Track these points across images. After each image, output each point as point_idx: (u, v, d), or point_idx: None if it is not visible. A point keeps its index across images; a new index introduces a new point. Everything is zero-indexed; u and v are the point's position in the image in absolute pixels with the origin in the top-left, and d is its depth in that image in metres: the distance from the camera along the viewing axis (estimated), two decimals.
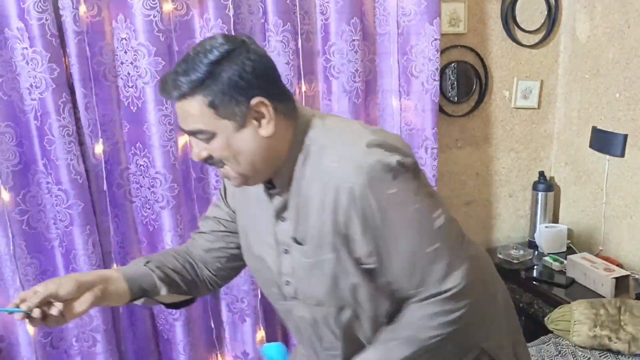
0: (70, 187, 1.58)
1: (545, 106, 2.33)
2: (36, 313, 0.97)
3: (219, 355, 1.94)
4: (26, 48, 1.51)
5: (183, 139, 1.73)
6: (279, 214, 1.08)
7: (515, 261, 2.24)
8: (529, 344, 1.85)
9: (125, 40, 1.61)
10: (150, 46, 1.60)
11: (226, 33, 1.01)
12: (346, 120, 1.11)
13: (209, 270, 1.24)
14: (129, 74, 1.62)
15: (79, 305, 1.03)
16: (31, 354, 1.63)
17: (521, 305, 2.16)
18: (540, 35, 2.23)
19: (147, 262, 1.17)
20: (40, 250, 1.64)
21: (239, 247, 1.22)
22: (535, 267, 2.22)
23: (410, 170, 0.99)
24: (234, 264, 1.25)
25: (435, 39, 1.90)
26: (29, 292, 0.99)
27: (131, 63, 1.62)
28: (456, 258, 1.01)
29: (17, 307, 0.97)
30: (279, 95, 1.00)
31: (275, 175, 1.06)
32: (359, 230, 0.99)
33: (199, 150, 1.00)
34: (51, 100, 1.52)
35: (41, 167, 1.58)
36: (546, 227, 2.30)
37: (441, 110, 2.10)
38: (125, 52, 1.62)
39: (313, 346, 1.19)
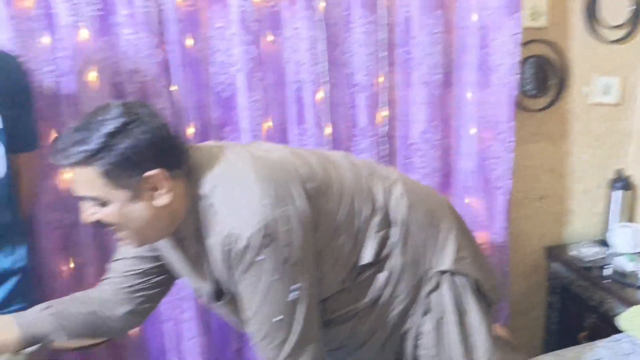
0: None
1: (625, 103, 2.28)
2: None
3: None
4: (130, 34, 1.62)
5: (267, 125, 1.82)
6: (195, 262, 1.15)
7: (586, 259, 2.21)
8: (602, 340, 1.84)
9: (220, 29, 1.71)
10: (242, 35, 1.68)
11: (123, 102, 1.04)
12: (237, 169, 1.11)
13: (127, 310, 1.27)
14: (222, 61, 1.72)
15: None
16: None
17: (592, 303, 2.14)
18: (623, 31, 2.19)
19: (47, 308, 1.20)
20: None
21: (157, 284, 1.29)
22: (607, 266, 2.18)
23: (285, 237, 1.06)
24: (153, 299, 1.32)
25: (516, 33, 1.91)
26: None
27: (224, 51, 1.71)
28: (302, 339, 1.12)
29: None
30: (175, 163, 1.05)
31: (179, 230, 1.12)
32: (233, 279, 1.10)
33: (90, 214, 1.04)
34: (152, 84, 1.64)
35: None
36: (621, 226, 2.26)
37: (518, 104, 2.10)
38: (219, 41, 1.71)
39: None
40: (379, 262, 1.24)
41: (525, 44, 2.07)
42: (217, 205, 1.07)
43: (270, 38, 1.76)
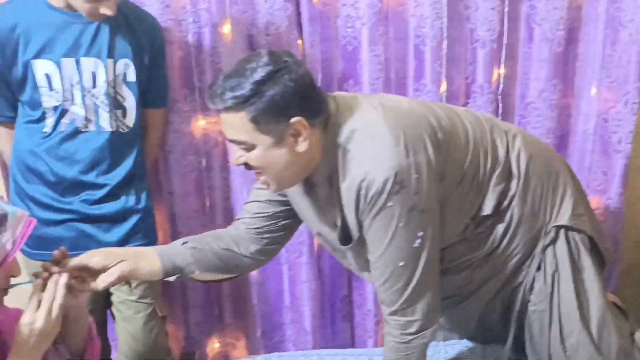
0: None
1: None
2: (64, 278, 1.06)
3: None
4: None
5: (386, 79, 1.85)
6: (324, 207, 1.20)
7: None
8: None
9: None
10: None
11: (271, 51, 1.10)
12: (372, 118, 1.16)
13: (255, 249, 1.35)
14: (348, 15, 1.77)
15: (106, 276, 1.15)
16: None
17: None
18: None
19: (185, 243, 1.29)
20: None
21: (283, 227, 1.36)
22: None
23: (415, 185, 1.11)
24: (278, 241, 1.39)
25: None
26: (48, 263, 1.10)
27: (351, 5, 1.76)
28: (421, 286, 1.18)
29: (36, 277, 1.08)
30: (316, 111, 1.10)
31: (312, 176, 1.18)
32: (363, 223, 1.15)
33: (238, 156, 1.12)
34: (283, 37, 1.71)
35: None
36: None
37: None
38: None
39: None
40: (498, 213, 1.27)
41: None
42: (353, 152, 1.13)
43: None
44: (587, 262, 1.31)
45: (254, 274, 1.92)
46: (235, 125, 1.08)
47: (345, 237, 1.24)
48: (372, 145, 1.12)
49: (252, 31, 1.73)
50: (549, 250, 1.30)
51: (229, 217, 1.86)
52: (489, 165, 1.25)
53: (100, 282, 1.16)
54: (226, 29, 1.71)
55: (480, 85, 1.90)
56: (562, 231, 1.30)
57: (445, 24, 1.79)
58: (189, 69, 1.74)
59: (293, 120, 1.07)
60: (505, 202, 1.27)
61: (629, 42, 1.87)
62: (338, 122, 1.15)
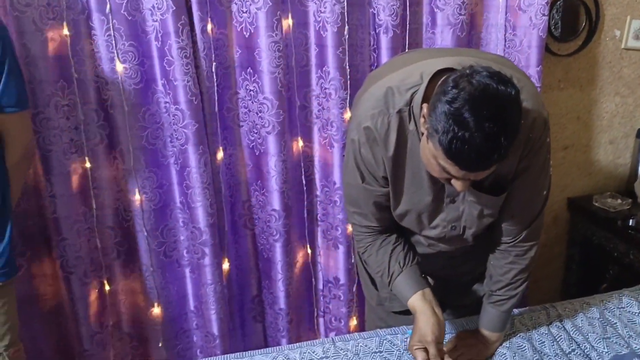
0: (186, 108, 1.66)
1: None
2: None
3: (313, 278, 2.02)
4: None
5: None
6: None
7: (611, 210, 2.17)
8: (627, 289, 1.81)
9: None
10: None
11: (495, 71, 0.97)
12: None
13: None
14: None
15: None
16: (147, 260, 1.76)
17: (615, 254, 2.11)
18: None
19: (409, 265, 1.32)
20: (158, 166, 1.74)
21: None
22: (632, 217, 2.14)
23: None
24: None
25: None
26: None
27: None
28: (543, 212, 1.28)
29: None
30: None
31: None
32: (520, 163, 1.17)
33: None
34: (171, 21, 1.58)
35: (160, 87, 1.66)
36: None
37: (546, 48, 2.02)
38: None
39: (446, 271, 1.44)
40: None
41: None
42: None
43: None
44: None
45: (153, 278, 1.79)
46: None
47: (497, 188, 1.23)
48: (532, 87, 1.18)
49: (136, 17, 1.59)
50: None
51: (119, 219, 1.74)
52: None
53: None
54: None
55: None
56: None
57: (346, 9, 1.72)
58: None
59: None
60: None
61: (529, 27, 1.87)
62: None
